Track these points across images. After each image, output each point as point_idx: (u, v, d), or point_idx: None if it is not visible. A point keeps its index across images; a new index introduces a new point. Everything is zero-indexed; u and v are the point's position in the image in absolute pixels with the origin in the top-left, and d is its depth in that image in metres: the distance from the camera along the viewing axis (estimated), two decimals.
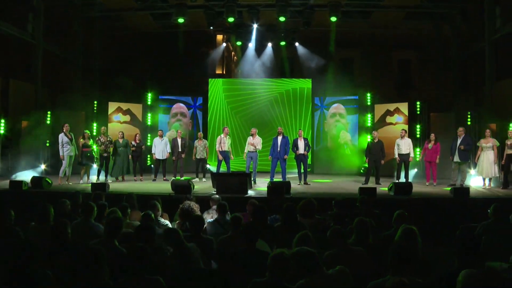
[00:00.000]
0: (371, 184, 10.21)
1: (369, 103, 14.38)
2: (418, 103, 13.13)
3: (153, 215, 4.43)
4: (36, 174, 10.29)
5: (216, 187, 8.22)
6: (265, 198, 7.64)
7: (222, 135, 10.95)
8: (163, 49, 16.14)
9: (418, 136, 13.00)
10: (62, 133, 9.47)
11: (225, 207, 5.08)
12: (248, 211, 5.40)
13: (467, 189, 7.87)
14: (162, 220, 4.97)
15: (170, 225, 4.87)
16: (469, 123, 12.18)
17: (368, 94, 14.37)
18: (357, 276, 3.15)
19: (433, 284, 2.70)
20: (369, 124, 14.17)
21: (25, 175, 10.28)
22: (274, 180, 10.20)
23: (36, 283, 2.77)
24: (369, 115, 14.25)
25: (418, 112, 13.17)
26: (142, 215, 4.38)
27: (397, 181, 10.49)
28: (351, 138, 14.54)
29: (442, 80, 15.33)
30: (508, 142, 9.14)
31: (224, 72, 22.64)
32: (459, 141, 9.88)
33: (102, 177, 10.27)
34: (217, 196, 5.77)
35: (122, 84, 14.21)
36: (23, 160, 11.16)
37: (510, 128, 10.02)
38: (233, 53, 18.55)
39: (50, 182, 8.34)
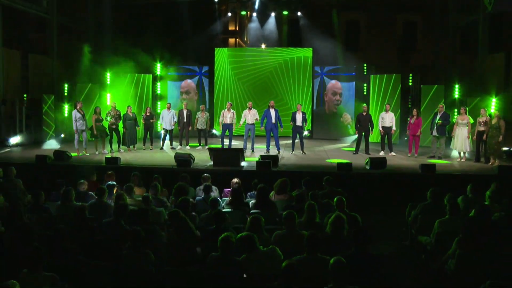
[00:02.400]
0: (360, 154, 11.19)
1: (365, 73, 15.07)
2: (410, 75, 13.78)
3: (151, 197, 5.63)
4: (57, 144, 11.65)
5: (213, 160, 9.42)
6: (255, 171, 8.82)
7: (225, 110, 11.87)
8: (171, 18, 16.75)
9: (409, 106, 13.81)
10: (75, 110, 10.59)
11: (210, 188, 6.28)
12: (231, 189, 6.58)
13: (433, 165, 8.81)
14: (161, 197, 6.19)
15: (168, 203, 6.11)
16: (456, 96, 12.86)
17: (365, 65, 15.01)
18: (296, 253, 4.27)
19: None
20: (365, 93, 14.95)
21: (49, 145, 11.64)
22: (269, 149, 11.41)
23: (67, 256, 3.98)
24: (365, 85, 14.98)
25: (410, 84, 13.87)
26: (142, 197, 5.59)
27: (382, 152, 11.42)
28: (348, 108, 15.40)
29: (439, 49, 15.76)
30: (480, 119, 9.91)
31: (237, 29, 23.05)
32: (438, 116, 10.70)
33: (114, 146, 11.47)
34: (207, 174, 6.94)
35: (132, 55, 15.07)
36: (44, 130, 12.46)
37: (488, 106, 10.77)
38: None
39: (70, 155, 9.58)
